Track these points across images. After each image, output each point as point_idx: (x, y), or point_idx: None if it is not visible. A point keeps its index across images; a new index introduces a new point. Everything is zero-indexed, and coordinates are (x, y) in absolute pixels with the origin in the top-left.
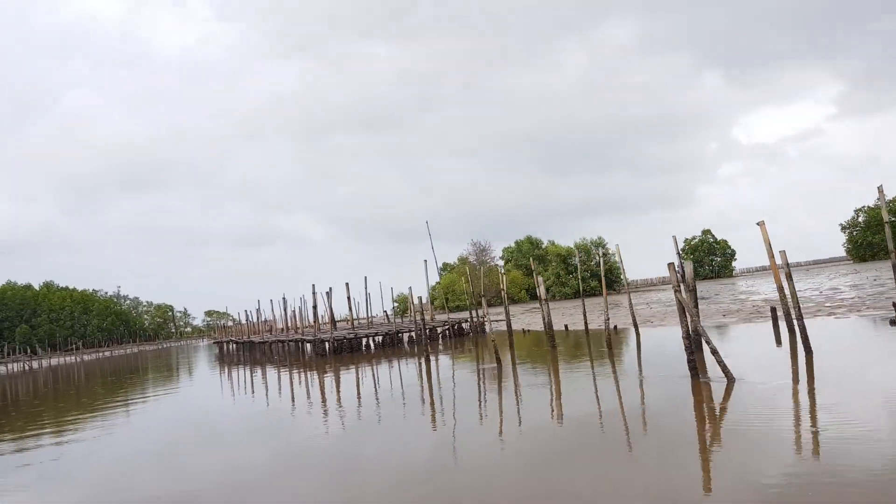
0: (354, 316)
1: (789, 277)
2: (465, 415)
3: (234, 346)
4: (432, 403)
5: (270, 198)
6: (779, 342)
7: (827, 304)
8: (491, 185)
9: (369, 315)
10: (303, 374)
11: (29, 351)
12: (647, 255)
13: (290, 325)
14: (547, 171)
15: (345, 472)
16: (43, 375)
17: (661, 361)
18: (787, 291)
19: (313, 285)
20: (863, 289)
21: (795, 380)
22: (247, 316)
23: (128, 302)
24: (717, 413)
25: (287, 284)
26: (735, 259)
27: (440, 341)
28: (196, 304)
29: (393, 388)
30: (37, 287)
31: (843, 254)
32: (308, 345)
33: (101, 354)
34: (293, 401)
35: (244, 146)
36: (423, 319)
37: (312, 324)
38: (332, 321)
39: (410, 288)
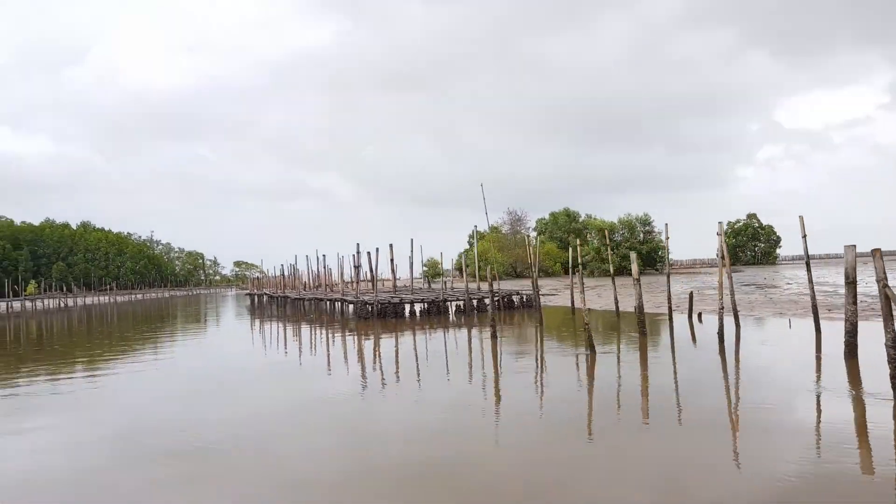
0: (381, 278)
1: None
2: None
3: (267, 298)
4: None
5: (300, 153)
6: None
7: None
8: (522, 154)
9: (401, 278)
10: (356, 337)
11: (64, 288)
12: (683, 235)
13: (324, 282)
14: (580, 143)
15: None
16: (77, 314)
17: (829, 371)
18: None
19: (357, 244)
20: None
21: None
22: (282, 269)
23: (160, 247)
24: None
25: (313, 241)
26: (780, 246)
27: (487, 312)
28: (225, 254)
29: (464, 367)
30: (74, 226)
31: None
32: (349, 305)
33: (133, 296)
34: (364, 377)
35: (277, 101)
36: (489, 289)
37: (353, 283)
38: (374, 283)
39: (441, 253)
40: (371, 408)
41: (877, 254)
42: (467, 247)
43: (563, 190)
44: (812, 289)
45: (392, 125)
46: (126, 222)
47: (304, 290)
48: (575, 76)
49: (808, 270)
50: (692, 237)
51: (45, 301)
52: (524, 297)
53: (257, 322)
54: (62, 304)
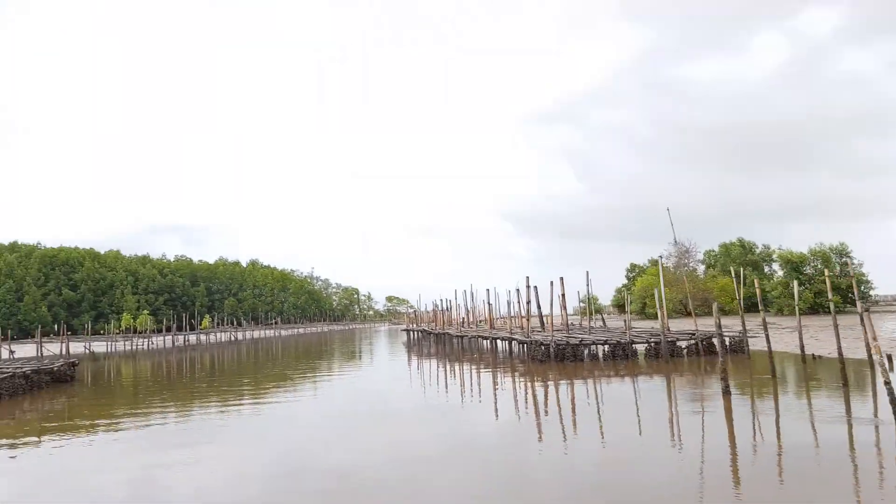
0: (524, 314)
1: None
2: None
3: (422, 334)
4: None
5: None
6: None
7: None
8: (669, 182)
9: (549, 314)
10: (533, 382)
11: (234, 322)
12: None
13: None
14: (733, 168)
15: None
16: (245, 347)
17: None
18: None
19: (527, 277)
20: None
21: None
22: (435, 305)
23: (319, 282)
24: None
25: (454, 274)
26: None
27: (685, 357)
28: (372, 289)
29: (695, 434)
30: (244, 264)
31: None
32: (517, 344)
33: (296, 330)
34: (565, 433)
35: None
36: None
37: (516, 319)
38: (541, 321)
39: (610, 290)
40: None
41: None
42: (625, 281)
43: (714, 219)
44: None
45: (531, 155)
46: (289, 259)
47: (463, 326)
48: (724, 98)
49: None
50: (883, 269)
51: (218, 334)
52: (729, 338)
53: (422, 360)
54: (232, 338)
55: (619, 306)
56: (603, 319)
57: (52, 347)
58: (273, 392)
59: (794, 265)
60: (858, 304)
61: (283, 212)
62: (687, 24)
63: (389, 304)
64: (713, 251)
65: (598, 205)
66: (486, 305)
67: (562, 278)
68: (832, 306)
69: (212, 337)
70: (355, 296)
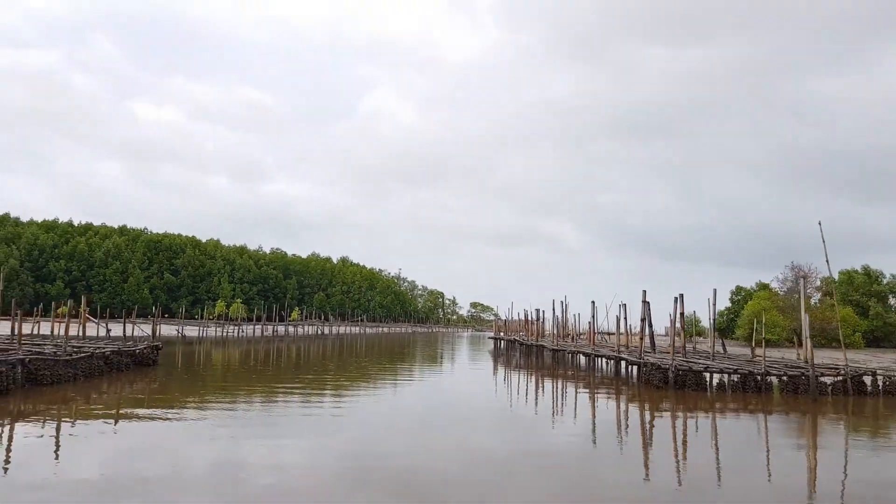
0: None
1: None
2: None
3: (509, 343)
4: None
5: (531, 201)
6: None
7: None
8: (779, 205)
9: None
10: (649, 410)
11: (322, 317)
12: None
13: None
14: (853, 191)
15: None
16: (332, 341)
17: None
18: None
19: (644, 291)
20: None
21: None
22: (526, 314)
23: (405, 284)
24: None
25: (539, 286)
26: None
27: (829, 395)
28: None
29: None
30: (335, 261)
31: None
32: (628, 366)
33: (381, 329)
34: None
35: (512, 149)
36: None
37: (636, 340)
38: (652, 342)
39: (694, 312)
40: None
41: None
42: (729, 304)
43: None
44: None
45: (627, 172)
46: (377, 260)
47: (556, 339)
48: (843, 117)
49: None
50: None
51: (305, 327)
52: (884, 378)
53: (519, 372)
54: (319, 332)
55: (720, 330)
56: (723, 345)
57: (147, 329)
58: (355, 388)
59: None
60: None
61: (376, 211)
62: (796, 38)
63: (473, 311)
64: (831, 278)
65: (694, 224)
66: (591, 319)
67: (681, 295)
68: None
69: (300, 329)
70: (440, 299)
